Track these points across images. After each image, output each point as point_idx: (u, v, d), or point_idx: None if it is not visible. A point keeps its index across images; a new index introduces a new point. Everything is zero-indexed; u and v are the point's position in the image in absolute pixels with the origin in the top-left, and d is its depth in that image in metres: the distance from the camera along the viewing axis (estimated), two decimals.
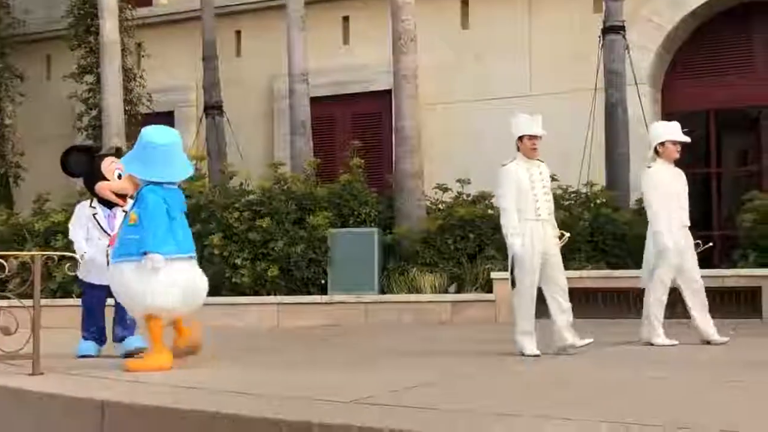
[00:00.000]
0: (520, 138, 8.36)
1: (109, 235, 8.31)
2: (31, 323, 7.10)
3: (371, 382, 6.08)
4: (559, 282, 8.31)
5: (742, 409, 4.91)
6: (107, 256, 7.98)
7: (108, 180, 8.38)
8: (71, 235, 8.60)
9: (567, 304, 8.28)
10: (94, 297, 8.47)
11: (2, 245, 14.30)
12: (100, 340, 8.36)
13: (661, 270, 8.78)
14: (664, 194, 8.73)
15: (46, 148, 18.64)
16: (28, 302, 7.20)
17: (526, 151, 8.33)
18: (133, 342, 8.38)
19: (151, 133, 7.92)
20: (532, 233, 8.19)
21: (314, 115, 16.30)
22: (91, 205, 8.58)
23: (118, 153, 9.27)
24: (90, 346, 7.12)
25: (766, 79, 15.87)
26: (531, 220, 8.24)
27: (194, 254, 7.62)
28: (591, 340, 8.26)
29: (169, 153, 7.71)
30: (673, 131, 8.97)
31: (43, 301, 7.81)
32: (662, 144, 8.89)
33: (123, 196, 8.36)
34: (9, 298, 7.21)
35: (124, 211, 8.21)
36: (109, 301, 8.29)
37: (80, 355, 7.12)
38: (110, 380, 6.52)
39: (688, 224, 8.96)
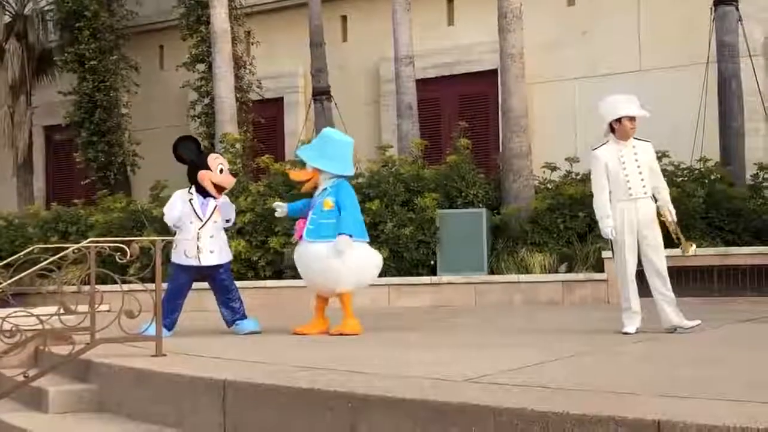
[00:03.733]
0: (619, 120, 8.25)
1: (201, 220, 8.82)
2: (153, 306, 7.33)
3: (486, 360, 6.12)
4: (655, 263, 8.19)
5: None
6: (197, 239, 8.72)
7: (212, 169, 8.85)
8: (166, 217, 9.07)
9: (663, 286, 8.16)
10: (181, 279, 8.88)
11: (122, 231, 14.69)
12: (170, 328, 8.65)
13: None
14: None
15: (160, 137, 19.04)
16: (150, 285, 7.43)
17: (624, 133, 8.22)
18: (246, 326, 9.00)
19: (339, 134, 9.47)
20: (623, 214, 8.16)
21: (420, 98, 16.35)
22: (189, 191, 9.01)
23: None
24: (152, 328, 7.34)
25: None
26: (623, 200, 8.18)
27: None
28: (698, 321, 8.10)
29: (351, 151, 9.09)
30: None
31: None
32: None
33: (220, 189, 8.92)
34: (131, 282, 7.44)
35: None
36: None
37: (142, 332, 7.35)
38: (227, 360, 6.70)
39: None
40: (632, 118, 8.23)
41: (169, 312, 8.57)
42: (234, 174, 9.13)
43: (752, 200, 13.57)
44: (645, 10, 16.57)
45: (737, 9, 14.34)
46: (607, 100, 8.46)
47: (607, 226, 8.22)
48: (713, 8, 14.49)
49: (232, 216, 9.29)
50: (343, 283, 8.57)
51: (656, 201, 8.31)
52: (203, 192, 8.93)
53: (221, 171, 8.90)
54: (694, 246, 8.64)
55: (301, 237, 8.62)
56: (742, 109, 14.24)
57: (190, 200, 8.94)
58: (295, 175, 9.00)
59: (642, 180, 8.19)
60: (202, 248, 8.81)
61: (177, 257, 8.89)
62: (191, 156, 9.07)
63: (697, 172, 13.69)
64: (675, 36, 15.80)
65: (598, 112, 8.50)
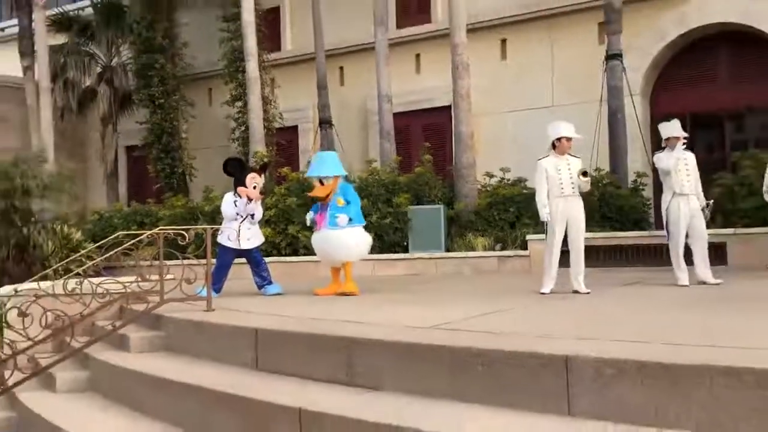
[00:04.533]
0: (559, 138, 8.28)
1: (241, 217, 9.00)
2: (205, 276, 7.33)
3: (446, 313, 6.14)
4: (577, 242, 8.24)
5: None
6: (238, 230, 8.92)
7: (246, 186, 8.98)
8: (227, 212, 9.12)
9: (578, 258, 8.21)
10: (226, 256, 8.97)
11: (182, 222, 14.66)
12: (218, 291, 8.66)
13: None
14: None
15: (209, 155, 19.05)
16: (203, 261, 7.43)
17: (562, 149, 8.25)
18: (271, 289, 9.15)
19: (326, 152, 9.68)
20: (559, 205, 8.18)
21: (396, 126, 16.33)
22: (234, 195, 9.09)
23: (264, 167, 10.11)
24: (204, 291, 7.35)
25: (728, 90, 15.45)
26: (557, 197, 8.21)
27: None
28: (589, 290, 8.08)
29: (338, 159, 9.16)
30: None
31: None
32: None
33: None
34: (189, 258, 7.43)
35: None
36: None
37: (197, 293, 7.36)
38: (258, 314, 6.70)
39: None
40: (569, 139, 8.27)
41: (217, 279, 8.58)
42: (262, 192, 9.20)
43: (632, 199, 13.65)
44: (557, 62, 16.62)
45: (622, 63, 14.37)
46: (553, 124, 8.51)
47: (545, 214, 8.23)
48: (605, 62, 14.52)
49: (258, 215, 9.29)
50: (351, 255, 8.72)
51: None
52: (248, 197, 9.06)
53: (254, 187, 8.97)
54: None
55: (320, 227, 8.67)
56: (625, 133, 14.28)
57: (234, 202, 9.03)
58: (322, 191, 8.70)
59: (572, 184, 8.21)
60: (241, 237, 8.93)
61: (223, 241, 8.96)
62: (236, 173, 9.15)
63: (593, 178, 13.72)
64: (578, 81, 15.83)
65: (546, 133, 8.46)
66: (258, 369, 5.56)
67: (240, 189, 8.99)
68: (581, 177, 8.14)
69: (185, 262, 7.11)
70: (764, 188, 10.87)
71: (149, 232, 7.64)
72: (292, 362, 5.31)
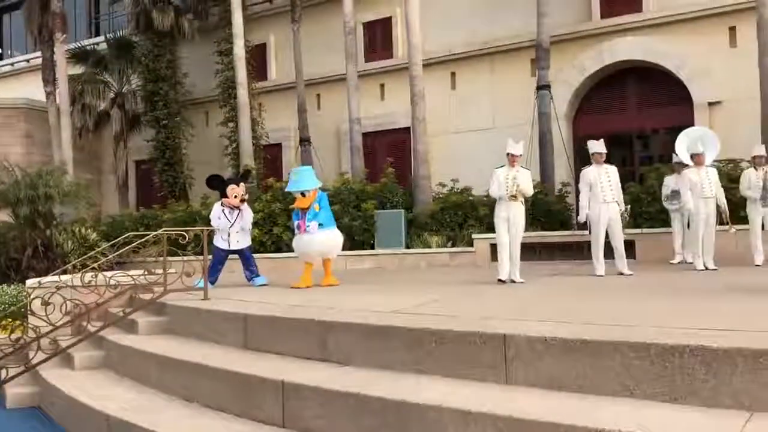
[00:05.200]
0: (508, 154, 8.34)
1: (230, 222, 8.87)
2: (202, 270, 7.24)
3: (405, 300, 6.14)
4: (517, 240, 8.30)
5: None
6: (229, 234, 8.80)
7: (228, 197, 8.88)
8: (213, 222, 8.96)
9: (516, 252, 8.26)
10: (219, 255, 8.85)
11: (183, 224, 14.49)
12: (214, 282, 8.43)
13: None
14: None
15: (206, 167, 18.75)
16: (200, 257, 7.34)
17: (511, 162, 8.31)
18: (258, 281, 9.03)
19: (302, 167, 9.23)
20: (504, 209, 8.25)
21: (364, 144, 16.31)
22: (221, 205, 8.97)
23: (245, 174, 9.81)
24: (201, 282, 7.26)
25: (636, 114, 15.67)
26: (504, 201, 8.25)
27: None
28: (523, 280, 8.15)
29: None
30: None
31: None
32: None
33: (236, 205, 8.95)
34: (188, 255, 7.34)
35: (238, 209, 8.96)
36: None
37: (195, 284, 7.26)
38: (247, 302, 6.63)
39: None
40: (513, 155, 8.30)
41: (212, 273, 8.45)
42: (244, 199, 8.97)
43: (558, 204, 13.77)
44: (497, 92, 16.70)
45: (550, 92, 14.52)
46: (508, 142, 8.54)
47: (494, 191, 8.36)
48: (536, 91, 14.65)
49: (248, 220, 9.13)
50: (330, 253, 8.58)
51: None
52: (231, 206, 8.94)
53: (235, 197, 8.84)
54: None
55: (302, 231, 8.41)
56: (552, 151, 14.42)
57: (222, 210, 8.91)
58: (305, 202, 8.39)
59: (517, 191, 8.24)
60: (231, 239, 8.80)
61: (218, 243, 8.86)
62: (218, 187, 9.05)
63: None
64: (514, 107, 15.93)
65: (505, 148, 8.46)
66: (247, 348, 5.51)
67: (224, 200, 8.90)
68: (516, 188, 8.24)
69: (185, 258, 7.04)
70: (663, 197, 11.07)
71: (155, 233, 7.53)
72: (275, 342, 5.27)
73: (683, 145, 9.86)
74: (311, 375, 4.38)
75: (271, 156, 19.28)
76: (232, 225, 8.86)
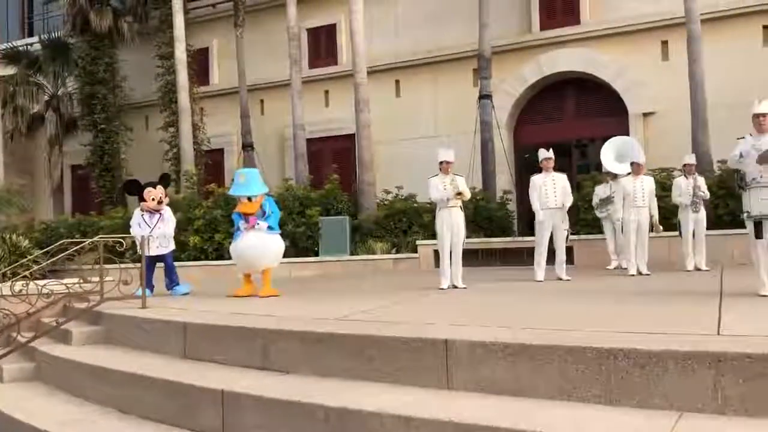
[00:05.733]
0: (441, 162, 8.42)
1: (150, 227, 8.55)
2: (140, 277, 7.06)
3: (348, 307, 6.12)
4: (457, 245, 8.38)
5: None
6: (148, 240, 8.17)
7: (146, 201, 8.64)
8: (132, 231, 8.59)
9: (457, 257, 8.35)
10: (147, 261, 8.20)
11: (121, 231, 14.08)
12: (150, 289, 8.16)
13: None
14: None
15: (145, 173, 18.25)
16: (138, 265, 7.17)
17: (445, 169, 8.40)
18: (179, 290, 8.75)
19: (247, 170, 8.84)
20: (445, 216, 8.32)
21: (309, 150, 16.28)
22: (141, 211, 8.73)
23: (164, 178, 9.29)
24: (139, 291, 7.06)
25: (574, 124, 16.08)
26: (445, 208, 8.33)
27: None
28: (465, 286, 8.25)
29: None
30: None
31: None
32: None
33: (156, 209, 8.68)
34: (126, 262, 7.16)
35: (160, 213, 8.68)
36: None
37: (136, 294, 7.03)
38: (187, 311, 6.49)
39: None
40: (448, 162, 8.39)
41: (148, 281, 8.07)
42: (159, 201, 8.65)
43: (500, 211, 14.01)
44: (440, 100, 16.91)
45: (491, 102, 14.78)
46: (440, 149, 8.62)
47: (438, 222, 8.43)
48: (478, 101, 14.89)
49: (169, 224, 8.81)
50: (273, 262, 8.15)
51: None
52: (150, 210, 8.67)
53: (153, 199, 8.59)
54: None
55: (248, 230, 7.94)
56: (494, 159, 14.68)
57: (142, 216, 8.66)
58: (251, 207, 8.00)
59: (455, 198, 8.31)
60: (152, 244, 8.38)
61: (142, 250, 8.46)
62: (134, 191, 8.82)
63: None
64: (457, 116, 16.15)
65: (436, 156, 8.54)
66: (186, 357, 5.39)
67: (143, 204, 8.65)
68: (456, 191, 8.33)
69: (122, 266, 6.85)
70: (593, 204, 11.40)
71: (91, 240, 7.31)
72: (215, 351, 5.17)
73: (610, 155, 10.22)
74: (252, 384, 4.32)
75: (213, 161, 19.03)
76: (152, 230, 8.50)
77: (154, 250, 8.47)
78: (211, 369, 4.90)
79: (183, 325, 5.53)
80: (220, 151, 19.41)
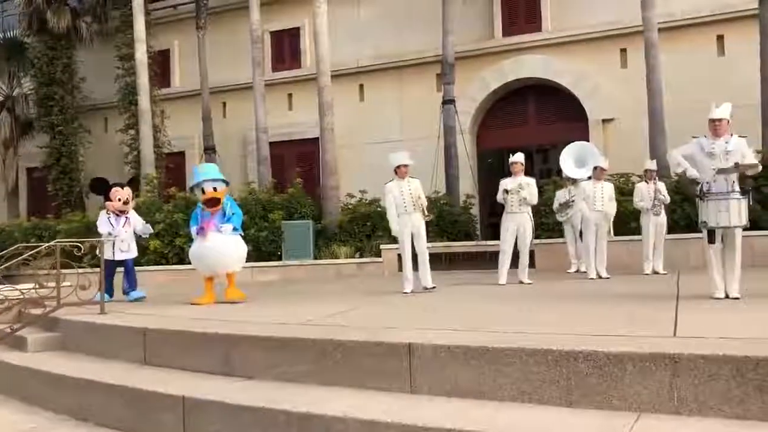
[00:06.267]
0: (398, 166, 8.45)
1: (113, 227, 8.30)
2: (99, 283, 6.93)
3: (312, 311, 6.09)
4: (421, 248, 8.43)
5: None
6: (113, 244, 8.17)
7: (112, 200, 8.38)
8: (100, 229, 8.38)
9: (423, 262, 8.40)
10: (108, 267, 7.98)
11: (79, 235, 13.80)
12: (110, 293, 8.03)
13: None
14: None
15: (105, 174, 17.72)
16: (97, 269, 7.03)
17: (401, 174, 8.42)
18: (134, 294, 8.46)
19: (206, 164, 8.66)
20: (405, 221, 8.33)
21: (272, 153, 16.18)
22: (106, 212, 8.48)
23: (131, 181, 9.02)
24: (98, 296, 6.93)
25: (536, 129, 16.31)
26: (403, 214, 8.36)
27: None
28: (435, 285, 8.38)
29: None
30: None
31: None
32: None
33: (123, 210, 8.43)
34: (84, 267, 7.01)
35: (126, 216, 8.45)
36: None
37: (94, 299, 6.85)
38: (147, 316, 6.39)
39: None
40: (406, 165, 8.42)
41: (107, 286, 7.90)
42: (125, 202, 8.40)
43: (463, 216, 14.12)
44: (404, 105, 16.95)
45: (455, 107, 14.90)
46: (391, 155, 8.65)
47: (394, 228, 8.42)
48: (442, 106, 15.00)
49: (142, 228, 8.62)
50: (236, 265, 7.84)
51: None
52: (116, 211, 8.39)
53: (119, 200, 8.34)
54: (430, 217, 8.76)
55: (207, 232, 7.55)
56: (457, 164, 14.78)
57: (108, 218, 8.40)
58: (218, 194, 7.65)
59: (413, 202, 8.36)
60: (115, 249, 8.23)
61: (105, 254, 7.93)
62: (100, 191, 8.60)
63: (433, 198, 14.09)
64: (421, 120, 16.22)
65: (388, 162, 8.58)
66: (146, 364, 5.30)
67: (107, 204, 8.35)
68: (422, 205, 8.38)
69: (80, 271, 6.71)
70: (554, 208, 11.56)
71: (47, 244, 7.14)
72: (177, 357, 5.11)
73: (569, 160, 10.41)
74: (214, 390, 4.27)
75: (174, 164, 18.77)
76: (116, 235, 8.23)
77: (119, 255, 8.28)
78: (173, 375, 4.84)
79: (143, 331, 5.44)
80: (182, 154, 19.16)
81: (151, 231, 8.95)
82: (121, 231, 8.35)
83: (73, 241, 7.28)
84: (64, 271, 6.91)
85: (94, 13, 19.55)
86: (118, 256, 8.30)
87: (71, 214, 16.60)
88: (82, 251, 6.98)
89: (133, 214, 8.61)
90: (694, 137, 6.33)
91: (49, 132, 19.26)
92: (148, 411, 4.36)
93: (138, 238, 8.86)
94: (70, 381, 5.08)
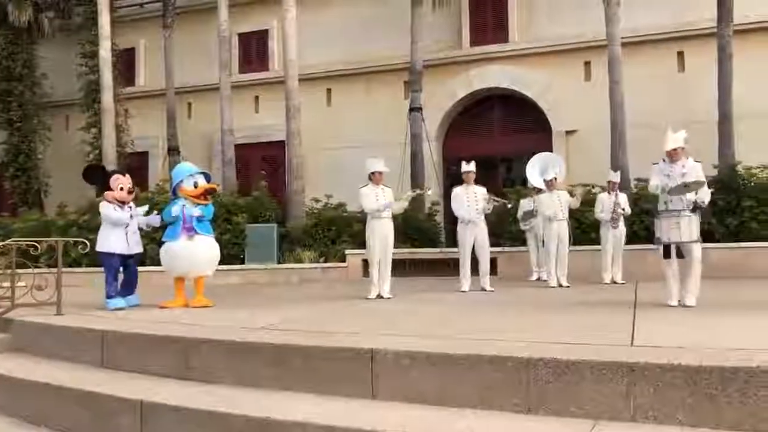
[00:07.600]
0: (373, 172, 8.46)
1: (127, 222, 7.40)
2: (55, 283, 6.77)
3: (274, 316, 6.05)
4: (387, 255, 8.47)
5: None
6: (126, 234, 7.38)
7: (113, 190, 7.47)
8: (114, 217, 7.36)
9: (386, 268, 8.43)
10: (116, 262, 7.37)
11: (35, 235, 13.49)
12: (120, 295, 7.38)
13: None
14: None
15: (64, 174, 17.65)
16: (53, 270, 6.87)
17: (376, 180, 8.44)
18: (134, 300, 7.68)
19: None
20: (376, 226, 8.36)
21: (237, 155, 16.04)
22: (109, 203, 7.45)
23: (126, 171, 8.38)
24: (114, 303, 6.57)
25: (501, 138, 16.48)
26: (376, 218, 8.37)
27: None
28: (392, 295, 8.32)
29: None
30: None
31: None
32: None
33: (124, 201, 7.52)
34: (41, 267, 6.85)
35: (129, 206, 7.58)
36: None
37: (111, 306, 6.46)
38: (106, 318, 6.28)
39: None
40: (381, 172, 8.44)
41: (113, 287, 7.29)
42: (129, 191, 7.49)
43: (428, 222, 14.18)
44: (372, 110, 16.96)
45: (421, 114, 14.98)
46: (369, 160, 8.63)
47: (400, 204, 8.65)
48: (409, 113, 15.06)
49: (154, 223, 7.80)
50: (211, 269, 7.70)
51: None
52: (119, 201, 7.43)
53: (121, 189, 7.45)
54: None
55: (188, 233, 7.29)
56: (424, 169, 14.85)
57: (114, 208, 7.41)
58: (113, 195, 7.32)
59: (388, 209, 8.39)
60: (130, 241, 7.43)
61: (106, 247, 7.33)
62: (98, 180, 7.76)
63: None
64: (388, 126, 16.20)
65: (365, 166, 8.57)
66: (104, 367, 5.20)
67: (107, 194, 7.48)
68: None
69: (36, 271, 6.55)
70: (519, 218, 11.70)
71: (2, 243, 6.95)
72: (135, 360, 5.02)
73: (535, 170, 10.58)
74: (173, 394, 4.21)
75: (136, 165, 18.46)
76: (128, 224, 7.41)
77: (133, 247, 7.45)
78: (131, 379, 4.75)
79: (101, 333, 5.34)
80: (145, 154, 18.91)
81: (159, 222, 7.81)
82: (131, 222, 7.52)
83: (29, 241, 7.10)
84: (19, 271, 6.75)
85: (57, 8, 19.19)
86: (134, 249, 7.47)
87: (28, 212, 16.25)
88: (39, 251, 6.82)
89: (134, 207, 7.76)
90: (654, 164, 6.68)
91: (7, 128, 18.87)
92: (106, 415, 4.27)
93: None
94: (23, 384, 4.95)
